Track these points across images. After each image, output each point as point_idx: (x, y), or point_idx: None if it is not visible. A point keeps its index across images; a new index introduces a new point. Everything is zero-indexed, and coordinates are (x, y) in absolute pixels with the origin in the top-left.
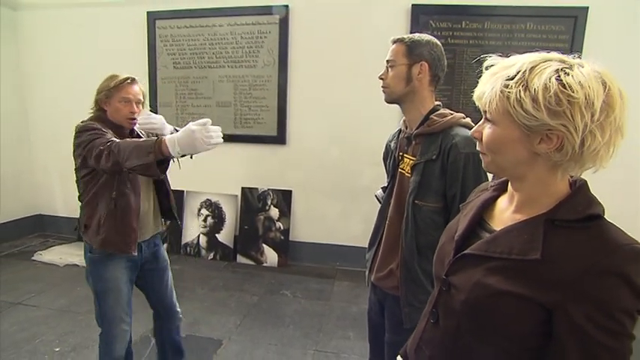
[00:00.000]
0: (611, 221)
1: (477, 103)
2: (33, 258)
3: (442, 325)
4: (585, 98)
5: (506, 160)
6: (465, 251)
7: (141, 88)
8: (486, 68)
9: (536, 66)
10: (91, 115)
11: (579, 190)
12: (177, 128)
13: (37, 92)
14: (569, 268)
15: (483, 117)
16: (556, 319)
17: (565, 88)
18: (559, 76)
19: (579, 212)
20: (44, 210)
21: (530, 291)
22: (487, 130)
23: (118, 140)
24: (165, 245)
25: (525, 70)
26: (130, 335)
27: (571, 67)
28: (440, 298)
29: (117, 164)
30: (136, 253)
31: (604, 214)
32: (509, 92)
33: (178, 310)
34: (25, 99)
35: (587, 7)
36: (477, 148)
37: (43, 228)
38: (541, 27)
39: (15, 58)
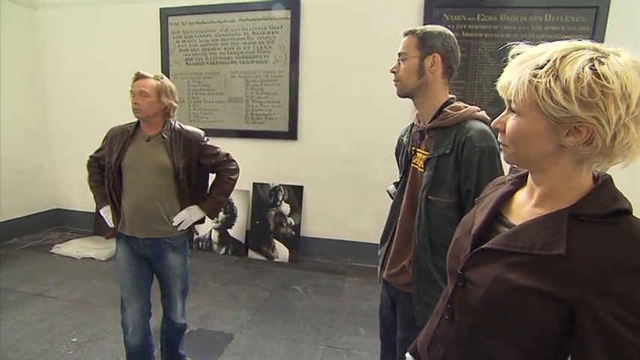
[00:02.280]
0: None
1: (500, 94)
2: (51, 251)
3: (457, 321)
4: (621, 89)
5: (530, 152)
6: (484, 246)
7: (152, 83)
8: (512, 57)
9: (567, 54)
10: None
11: (604, 184)
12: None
13: (56, 89)
14: (595, 264)
15: (507, 107)
16: (580, 316)
17: (599, 79)
18: (593, 65)
19: (605, 207)
20: (62, 204)
21: (553, 287)
22: (511, 121)
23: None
24: None
25: (556, 59)
26: (148, 327)
27: (606, 56)
28: (455, 293)
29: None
30: (111, 237)
31: (632, 210)
32: (537, 82)
33: (171, 315)
34: (43, 95)
35: None
36: (499, 139)
37: (61, 222)
38: (560, 18)
39: (34, 55)
